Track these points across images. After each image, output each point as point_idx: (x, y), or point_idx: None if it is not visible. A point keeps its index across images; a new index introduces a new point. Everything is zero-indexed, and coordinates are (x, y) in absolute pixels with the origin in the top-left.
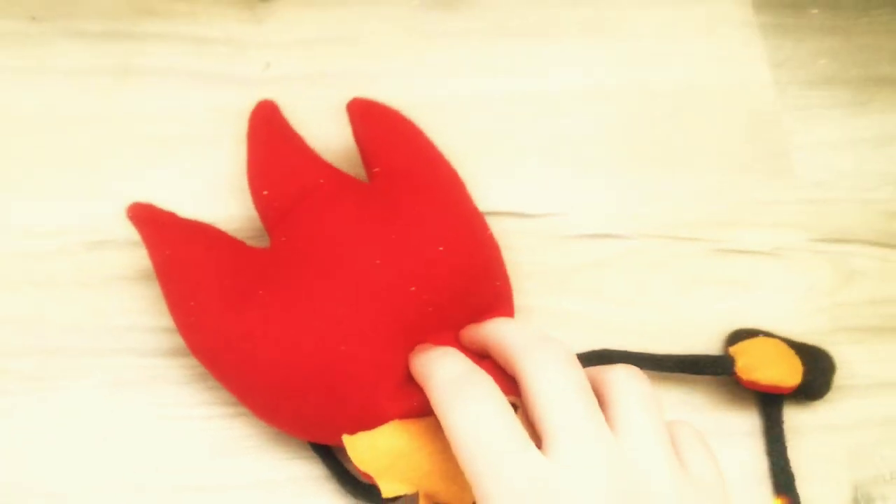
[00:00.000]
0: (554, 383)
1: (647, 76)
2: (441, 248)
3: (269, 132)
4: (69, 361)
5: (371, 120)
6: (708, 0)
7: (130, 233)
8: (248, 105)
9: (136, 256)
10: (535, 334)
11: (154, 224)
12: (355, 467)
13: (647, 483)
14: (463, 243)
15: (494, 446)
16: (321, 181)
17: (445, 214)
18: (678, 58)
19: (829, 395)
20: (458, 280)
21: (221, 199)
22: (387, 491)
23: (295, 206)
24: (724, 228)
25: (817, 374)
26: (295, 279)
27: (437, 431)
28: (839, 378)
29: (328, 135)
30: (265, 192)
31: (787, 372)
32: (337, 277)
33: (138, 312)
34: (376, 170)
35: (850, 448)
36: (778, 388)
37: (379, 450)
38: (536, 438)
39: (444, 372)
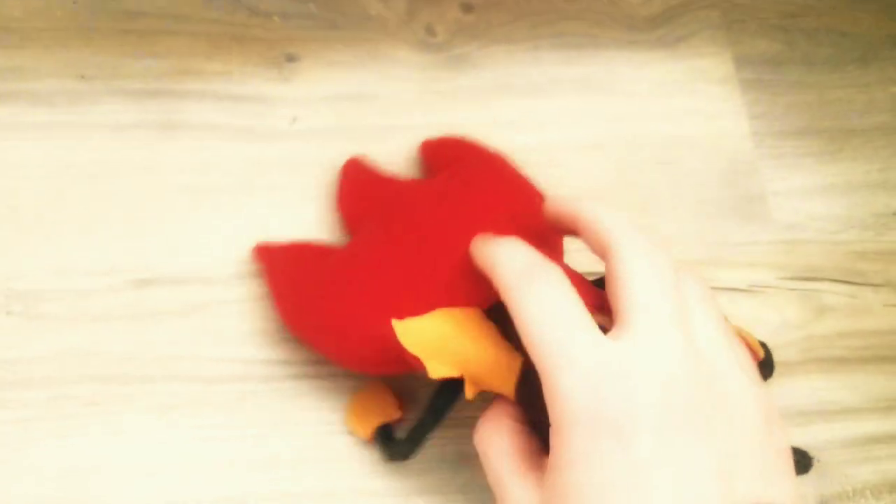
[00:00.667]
0: (648, 265)
1: (635, 129)
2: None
3: (355, 171)
4: (121, 388)
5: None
6: (692, 58)
7: (174, 271)
8: (278, 156)
9: (179, 293)
10: (629, 220)
11: (268, 252)
12: (403, 352)
13: (713, 375)
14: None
15: (564, 330)
16: (399, 191)
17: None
18: (664, 112)
19: (800, 419)
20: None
21: (252, 241)
22: (434, 371)
23: (375, 215)
24: (704, 267)
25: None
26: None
27: (482, 320)
28: (810, 404)
29: None
30: (348, 215)
31: None
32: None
33: (183, 343)
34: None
35: (818, 467)
36: None
37: (427, 334)
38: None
39: (514, 259)
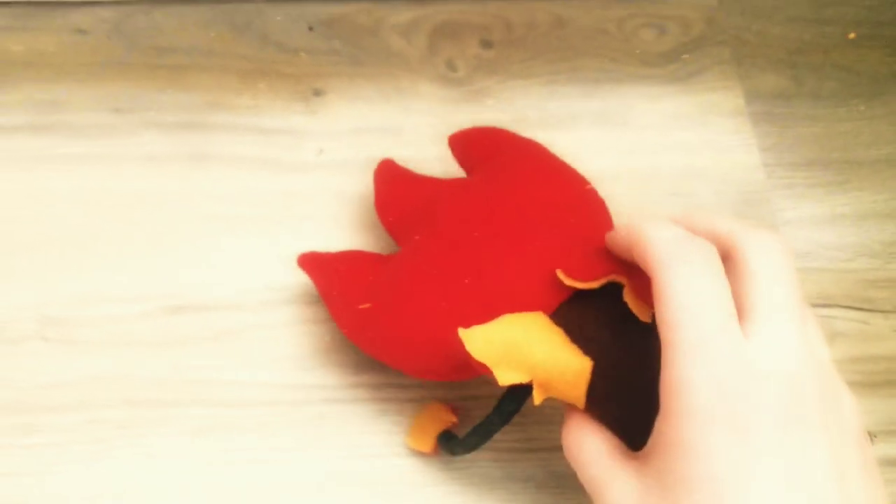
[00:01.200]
0: (777, 263)
1: (650, 161)
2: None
3: (390, 173)
4: (152, 412)
5: (469, 141)
6: (704, 92)
7: (205, 298)
8: (305, 186)
9: (209, 319)
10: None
11: (316, 261)
12: (471, 359)
13: (827, 378)
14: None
15: (706, 319)
16: (441, 191)
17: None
18: (678, 144)
19: None
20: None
21: (281, 268)
22: (502, 378)
23: (422, 218)
24: None
25: None
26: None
27: (548, 325)
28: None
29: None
30: (391, 219)
31: None
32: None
33: (212, 368)
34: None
35: None
36: None
37: (494, 341)
38: None
39: (665, 233)
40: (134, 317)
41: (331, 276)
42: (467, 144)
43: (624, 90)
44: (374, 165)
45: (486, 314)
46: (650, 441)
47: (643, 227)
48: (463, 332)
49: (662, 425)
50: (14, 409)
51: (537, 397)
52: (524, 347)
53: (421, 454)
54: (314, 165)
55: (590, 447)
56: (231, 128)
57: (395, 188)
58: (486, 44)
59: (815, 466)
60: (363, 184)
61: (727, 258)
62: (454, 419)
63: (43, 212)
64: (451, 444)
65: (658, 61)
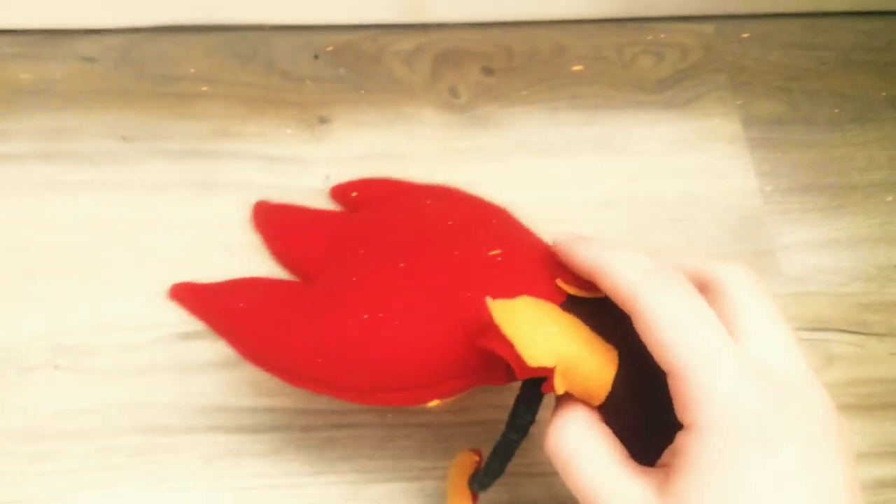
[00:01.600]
0: (751, 285)
1: (648, 186)
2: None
3: (275, 214)
4: (164, 439)
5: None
6: (702, 118)
7: None
8: None
9: (221, 345)
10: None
11: (199, 297)
12: (496, 340)
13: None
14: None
15: (708, 330)
16: (346, 221)
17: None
18: (676, 170)
19: None
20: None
21: None
22: (531, 357)
23: (329, 259)
24: None
25: None
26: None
27: (565, 312)
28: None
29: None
30: (295, 257)
31: None
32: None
33: (225, 394)
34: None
35: None
36: None
37: (520, 316)
38: None
39: (636, 262)
40: (146, 344)
41: (229, 311)
42: (358, 191)
43: (623, 116)
44: None
45: (443, 328)
46: (673, 458)
47: (611, 259)
48: (492, 302)
49: (688, 441)
50: (27, 437)
51: (560, 385)
52: (551, 325)
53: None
54: (321, 192)
55: (594, 447)
56: (238, 155)
57: (288, 228)
58: (488, 71)
59: (839, 487)
60: None
61: (702, 290)
62: (477, 458)
63: (52, 239)
64: (478, 481)
65: (656, 88)
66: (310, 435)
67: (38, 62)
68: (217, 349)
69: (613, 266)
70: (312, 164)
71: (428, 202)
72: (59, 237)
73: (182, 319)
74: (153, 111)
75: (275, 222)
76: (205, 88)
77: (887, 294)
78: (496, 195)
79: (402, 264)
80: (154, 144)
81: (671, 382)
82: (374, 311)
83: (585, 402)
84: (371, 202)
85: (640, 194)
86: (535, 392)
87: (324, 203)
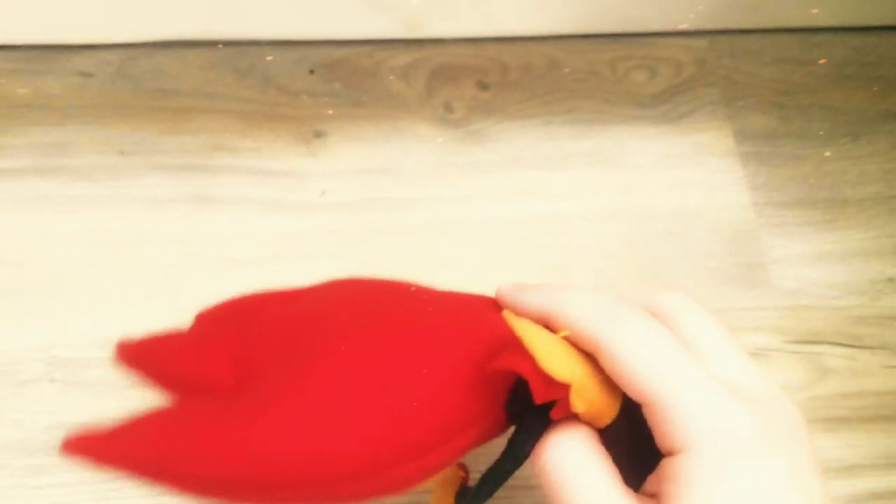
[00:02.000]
0: (696, 311)
1: (642, 200)
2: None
3: (152, 348)
4: None
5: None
6: (695, 133)
7: None
8: (308, 227)
9: None
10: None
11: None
12: (514, 356)
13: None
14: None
15: (677, 356)
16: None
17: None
18: (670, 184)
19: None
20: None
21: None
22: (553, 371)
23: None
24: None
25: None
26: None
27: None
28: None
29: (377, 251)
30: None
31: None
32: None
33: None
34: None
35: None
36: None
37: (537, 331)
38: None
39: (592, 299)
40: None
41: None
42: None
43: (617, 131)
44: (375, 206)
45: (435, 381)
46: (662, 485)
47: (563, 299)
48: (510, 315)
49: (677, 466)
50: (23, 450)
51: (579, 403)
52: (563, 344)
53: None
54: (316, 206)
55: (596, 470)
56: (234, 170)
57: (178, 355)
58: (483, 85)
59: (818, 490)
60: (365, 223)
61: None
62: (462, 473)
63: (49, 253)
64: (466, 501)
65: (650, 102)
66: None
67: (35, 77)
68: None
69: (567, 306)
70: (308, 179)
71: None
72: (56, 251)
73: None
74: (150, 126)
75: (157, 354)
76: (201, 103)
77: (880, 307)
78: (490, 209)
79: (343, 347)
80: (151, 159)
81: (648, 412)
82: (359, 388)
83: (588, 424)
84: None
85: (634, 208)
86: (540, 420)
87: (323, 215)
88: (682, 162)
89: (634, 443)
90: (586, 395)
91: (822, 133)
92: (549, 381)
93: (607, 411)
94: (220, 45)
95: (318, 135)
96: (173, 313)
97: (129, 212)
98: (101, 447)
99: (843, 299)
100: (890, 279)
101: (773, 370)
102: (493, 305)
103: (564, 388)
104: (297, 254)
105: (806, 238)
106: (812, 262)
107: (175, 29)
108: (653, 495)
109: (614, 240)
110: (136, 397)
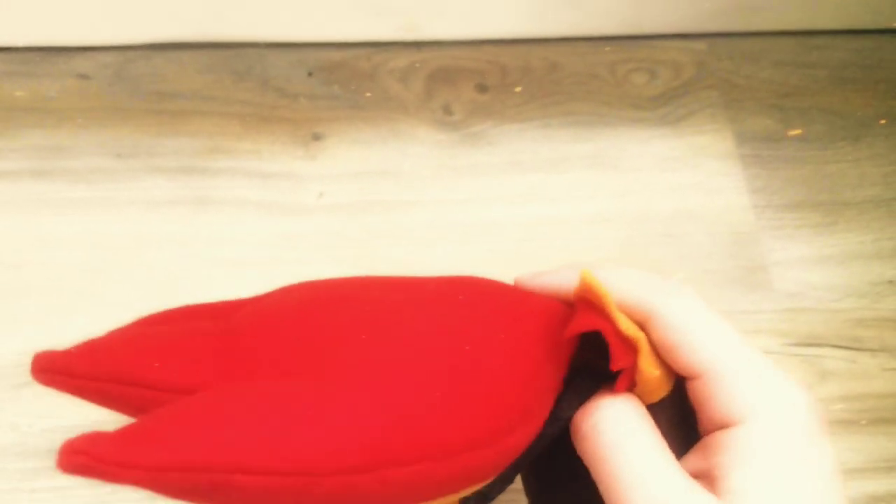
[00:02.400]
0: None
1: (641, 203)
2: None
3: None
4: None
5: None
6: (694, 135)
7: None
8: (305, 229)
9: None
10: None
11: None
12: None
13: None
14: None
15: (728, 330)
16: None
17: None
18: (669, 186)
19: None
20: None
21: None
22: (624, 324)
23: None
24: None
25: None
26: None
27: None
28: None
29: (375, 253)
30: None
31: None
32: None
33: None
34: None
35: None
36: None
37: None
38: None
39: (639, 275)
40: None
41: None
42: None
43: (616, 133)
44: (374, 208)
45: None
46: (716, 457)
47: (617, 276)
48: (588, 273)
49: (735, 437)
50: (19, 453)
51: (648, 365)
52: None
53: None
54: (314, 208)
55: (649, 439)
56: (232, 172)
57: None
58: (482, 88)
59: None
60: (363, 226)
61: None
62: None
63: (47, 256)
64: (482, 491)
65: (649, 105)
66: None
67: (32, 80)
68: None
69: (614, 278)
70: (306, 181)
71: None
72: (54, 254)
73: None
74: (148, 128)
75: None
76: (199, 105)
77: (880, 310)
78: (489, 212)
79: (364, 336)
80: (148, 161)
81: (699, 384)
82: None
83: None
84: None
85: (633, 210)
86: (588, 385)
87: (321, 217)
88: (681, 164)
89: (671, 423)
90: (650, 365)
91: (821, 136)
92: (625, 344)
93: (662, 386)
94: (218, 48)
95: (317, 137)
96: None
97: (127, 214)
98: (134, 458)
99: (844, 302)
100: (890, 281)
101: None
102: (520, 289)
103: (633, 356)
104: (295, 256)
105: (806, 241)
106: (812, 265)
107: (173, 31)
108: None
109: (613, 243)
110: None
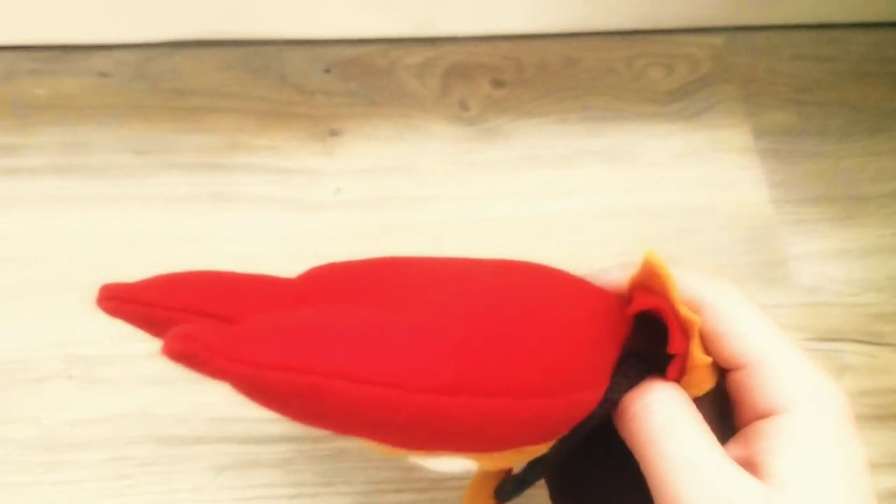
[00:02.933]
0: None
1: (658, 198)
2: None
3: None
4: (176, 449)
5: None
6: (712, 130)
7: None
8: (323, 225)
9: None
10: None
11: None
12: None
13: None
14: None
15: (773, 323)
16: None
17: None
18: (686, 181)
19: None
20: None
21: None
22: (684, 310)
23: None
24: None
25: None
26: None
27: None
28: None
29: (392, 248)
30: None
31: None
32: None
33: (235, 405)
34: None
35: None
36: None
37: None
38: None
39: (682, 269)
40: (156, 355)
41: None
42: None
43: (632, 128)
44: (390, 204)
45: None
46: (759, 443)
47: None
48: (652, 254)
49: (780, 424)
50: (40, 446)
51: (699, 354)
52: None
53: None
54: (331, 204)
55: (696, 425)
56: (249, 168)
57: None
58: (498, 83)
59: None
60: (380, 221)
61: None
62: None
63: (63, 253)
64: (505, 489)
65: (666, 99)
66: (320, 446)
67: (52, 77)
68: None
69: (681, 277)
70: (323, 177)
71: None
72: (73, 250)
73: None
74: (166, 125)
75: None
76: (217, 102)
77: None
78: (505, 207)
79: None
80: (167, 158)
81: (745, 374)
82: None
83: None
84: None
85: (650, 205)
86: (637, 370)
87: (338, 213)
88: (698, 159)
89: (709, 420)
90: (701, 352)
91: (840, 129)
92: (682, 327)
93: (707, 379)
94: (235, 45)
95: (334, 133)
96: None
97: (146, 210)
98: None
99: (863, 296)
100: None
101: None
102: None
103: (688, 340)
104: (312, 251)
105: (825, 235)
106: (831, 259)
107: (191, 29)
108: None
109: (629, 238)
110: (151, 394)
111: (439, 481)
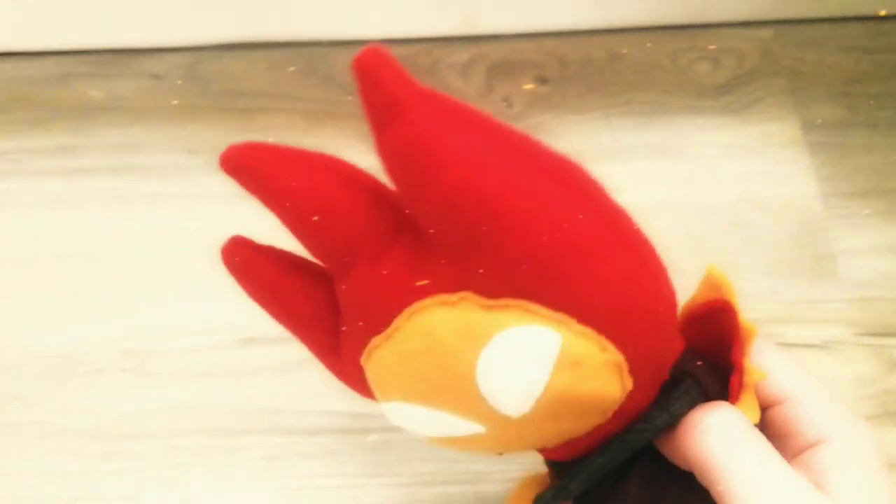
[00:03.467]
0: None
1: (705, 192)
2: None
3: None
4: (227, 440)
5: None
6: (760, 123)
7: (276, 330)
8: None
9: (280, 351)
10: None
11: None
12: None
13: None
14: None
15: (790, 356)
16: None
17: None
18: (734, 175)
19: None
20: None
21: None
22: (744, 318)
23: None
24: (779, 325)
25: None
26: None
27: None
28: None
29: None
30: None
31: None
32: None
33: (282, 398)
34: None
35: None
36: None
37: None
38: None
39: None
40: (208, 349)
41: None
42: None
43: (679, 122)
44: None
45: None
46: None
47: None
48: (713, 268)
49: (825, 455)
50: (96, 437)
51: (757, 374)
52: None
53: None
54: None
55: (765, 445)
56: None
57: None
58: (542, 80)
59: None
60: None
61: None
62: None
63: (118, 251)
64: (544, 498)
65: (713, 93)
66: (366, 438)
67: (108, 80)
68: (275, 355)
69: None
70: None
71: None
72: (128, 247)
73: (242, 325)
74: (217, 125)
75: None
76: (266, 102)
77: None
78: None
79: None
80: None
81: (784, 407)
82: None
83: None
84: None
85: (698, 200)
86: (697, 389)
87: None
88: (746, 153)
89: None
90: (758, 369)
91: (890, 121)
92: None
93: (756, 409)
94: (284, 47)
95: None
96: (240, 305)
97: (198, 208)
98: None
99: None
100: None
101: (842, 363)
102: None
103: (749, 347)
104: None
105: (875, 229)
106: (881, 254)
107: (241, 32)
108: None
109: (677, 232)
110: (203, 386)
111: (485, 473)
